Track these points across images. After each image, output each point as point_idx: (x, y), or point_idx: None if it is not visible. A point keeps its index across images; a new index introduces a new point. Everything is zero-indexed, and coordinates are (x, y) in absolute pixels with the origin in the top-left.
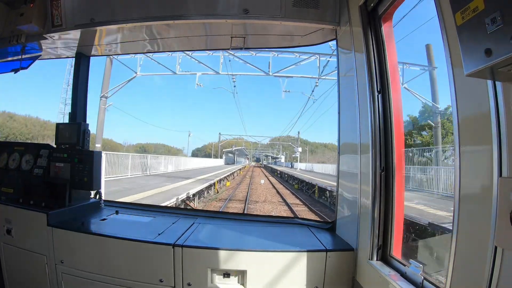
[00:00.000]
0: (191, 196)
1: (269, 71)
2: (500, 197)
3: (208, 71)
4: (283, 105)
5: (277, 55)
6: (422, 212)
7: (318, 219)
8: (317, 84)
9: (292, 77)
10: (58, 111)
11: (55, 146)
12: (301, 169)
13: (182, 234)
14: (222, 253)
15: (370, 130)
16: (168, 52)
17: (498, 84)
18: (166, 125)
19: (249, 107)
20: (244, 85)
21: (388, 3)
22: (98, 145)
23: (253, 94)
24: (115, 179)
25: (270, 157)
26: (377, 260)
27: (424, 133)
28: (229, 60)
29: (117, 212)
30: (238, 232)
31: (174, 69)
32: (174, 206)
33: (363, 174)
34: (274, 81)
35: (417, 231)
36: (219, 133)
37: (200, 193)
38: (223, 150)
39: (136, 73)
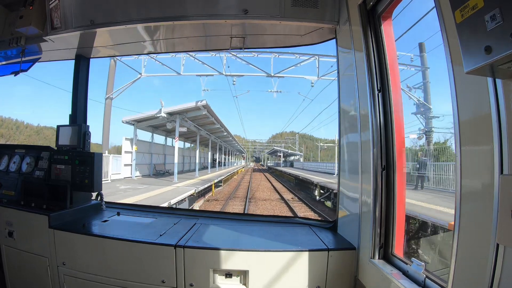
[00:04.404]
0: None
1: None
2: (502, 194)
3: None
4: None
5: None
6: None
7: (320, 218)
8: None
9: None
10: None
11: (55, 148)
12: None
13: (184, 235)
14: (224, 253)
15: (370, 129)
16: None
17: (498, 81)
18: None
19: (249, 109)
20: (245, 87)
21: (387, 2)
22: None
23: (254, 93)
24: None
25: (281, 154)
26: (379, 258)
27: None
28: (228, 67)
29: (118, 214)
30: (240, 232)
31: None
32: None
33: (364, 173)
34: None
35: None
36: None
37: None
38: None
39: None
